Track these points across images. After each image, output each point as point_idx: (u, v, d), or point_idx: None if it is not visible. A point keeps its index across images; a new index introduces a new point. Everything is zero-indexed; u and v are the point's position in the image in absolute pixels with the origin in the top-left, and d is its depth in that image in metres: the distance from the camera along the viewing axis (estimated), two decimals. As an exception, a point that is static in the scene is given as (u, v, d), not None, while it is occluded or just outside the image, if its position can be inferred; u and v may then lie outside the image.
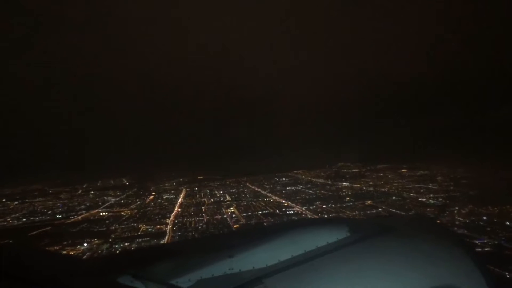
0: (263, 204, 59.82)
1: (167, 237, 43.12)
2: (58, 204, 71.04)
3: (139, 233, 46.05)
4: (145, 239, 42.93)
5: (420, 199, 55.97)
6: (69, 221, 55.59)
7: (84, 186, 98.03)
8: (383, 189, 66.24)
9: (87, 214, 61.16)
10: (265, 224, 47.15)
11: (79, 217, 58.34)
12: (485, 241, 37.18)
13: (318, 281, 2.76)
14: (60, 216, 60.56)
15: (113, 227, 49.60)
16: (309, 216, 49.85)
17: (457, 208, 49.75)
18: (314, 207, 55.04)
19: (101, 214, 60.79)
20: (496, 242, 37.12)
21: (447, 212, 47.93)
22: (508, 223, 42.26)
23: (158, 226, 48.50)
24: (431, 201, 54.83)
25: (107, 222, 53.38)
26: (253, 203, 61.49)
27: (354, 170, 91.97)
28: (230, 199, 67.34)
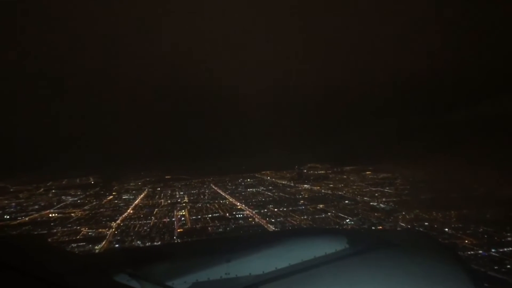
0: (217, 206, 59.23)
1: (104, 242, 42.05)
2: (12, 204, 69.25)
3: (78, 237, 44.97)
4: (80, 244, 41.89)
5: (371, 204, 56.11)
6: (14, 223, 54.05)
7: (48, 184, 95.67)
8: (340, 192, 66.32)
9: (36, 215, 59.60)
10: (209, 228, 46.77)
11: (27, 219, 56.82)
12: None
13: None
14: (8, 217, 59.01)
15: (55, 230, 48.34)
16: (256, 220, 49.63)
17: (403, 213, 49.93)
18: (266, 210, 54.78)
19: (51, 215, 59.34)
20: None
21: (392, 218, 48.01)
22: (446, 229, 42.46)
23: (101, 230, 47.45)
24: (382, 205, 54.94)
25: (52, 224, 52.16)
26: (207, 205, 60.91)
27: (321, 172, 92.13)
28: (187, 201, 66.62)
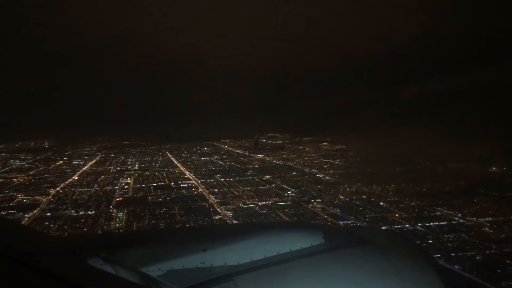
0: (165, 175, 59.09)
1: (36, 210, 41.22)
2: (-47, 168, 66.56)
3: (11, 204, 43.98)
4: (11, 211, 41.03)
5: (317, 175, 57.17)
6: None
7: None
8: (291, 163, 67.36)
9: (-24, 179, 57.59)
10: (149, 198, 46.55)
11: (-36, 183, 54.85)
12: (349, 222, 38.22)
13: (287, 284, 2.78)
14: None
15: (-11, 196, 46.89)
16: (200, 189, 49.84)
17: (345, 186, 51.15)
18: (212, 180, 55.08)
19: (-9, 180, 57.40)
20: (358, 224, 38.26)
21: (333, 190, 49.11)
22: (382, 203, 43.77)
23: (37, 197, 46.48)
24: (327, 177, 56.09)
25: (-12, 190, 50.45)
26: (156, 173, 60.65)
27: (278, 142, 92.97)
28: (136, 168, 66.14)
